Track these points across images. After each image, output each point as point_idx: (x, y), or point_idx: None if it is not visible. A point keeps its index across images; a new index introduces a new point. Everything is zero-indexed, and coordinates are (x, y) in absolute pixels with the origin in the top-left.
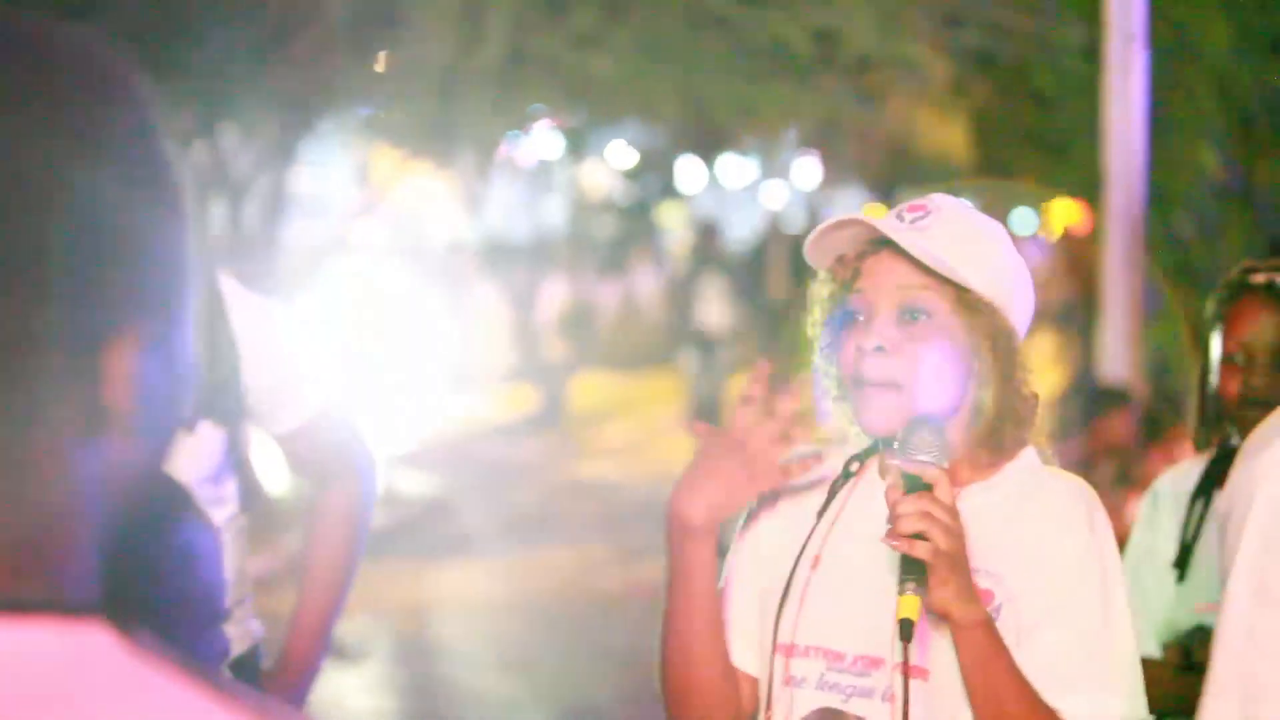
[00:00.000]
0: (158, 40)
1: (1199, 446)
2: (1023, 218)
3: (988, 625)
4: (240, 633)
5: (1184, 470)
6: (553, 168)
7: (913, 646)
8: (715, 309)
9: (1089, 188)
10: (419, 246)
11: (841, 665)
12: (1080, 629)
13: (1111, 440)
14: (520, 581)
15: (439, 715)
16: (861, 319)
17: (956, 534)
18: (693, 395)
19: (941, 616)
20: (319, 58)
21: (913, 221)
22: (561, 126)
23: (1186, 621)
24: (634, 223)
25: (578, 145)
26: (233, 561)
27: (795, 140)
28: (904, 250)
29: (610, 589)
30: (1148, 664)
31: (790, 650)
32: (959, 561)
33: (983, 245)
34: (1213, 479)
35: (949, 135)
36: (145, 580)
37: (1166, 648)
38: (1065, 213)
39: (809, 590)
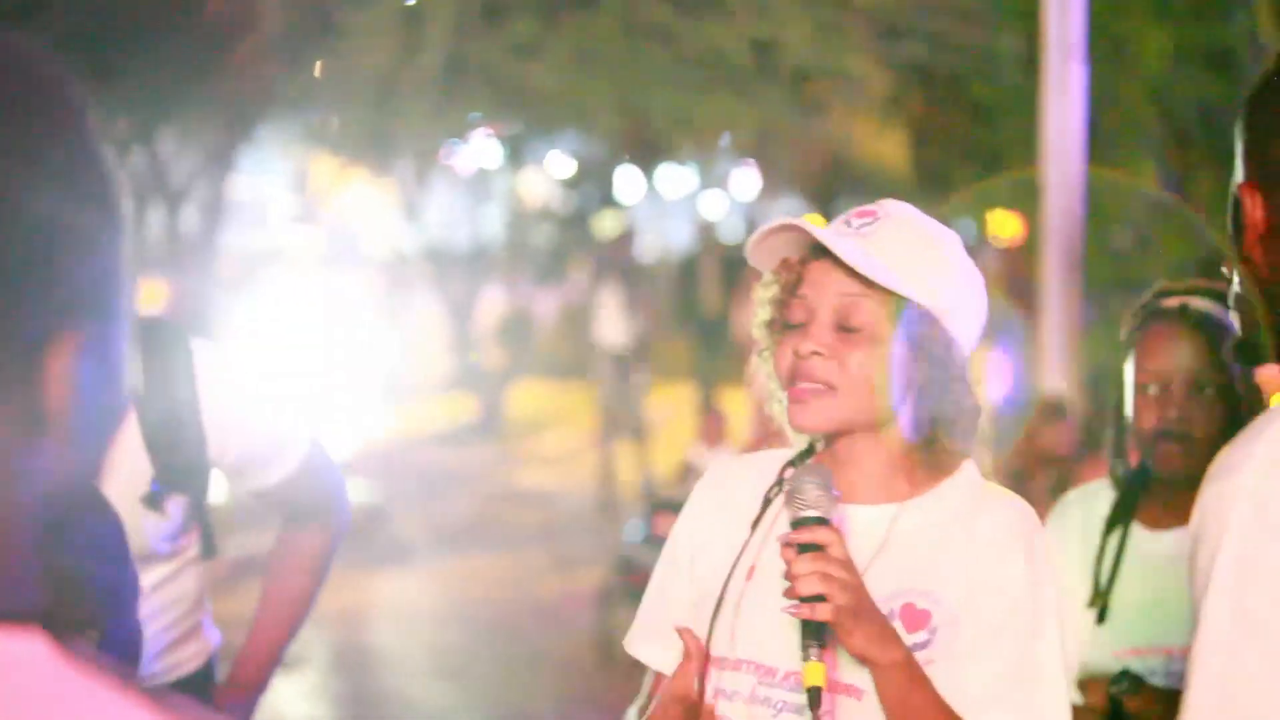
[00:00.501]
0: (96, 46)
1: (1115, 478)
2: (961, 229)
3: (905, 663)
4: (196, 650)
5: (1091, 493)
6: (491, 176)
7: (848, 666)
8: (618, 323)
9: (1026, 200)
10: (357, 254)
11: (773, 680)
12: (1009, 659)
13: (1049, 451)
14: (457, 589)
15: None
16: (801, 324)
17: (854, 587)
18: (603, 413)
19: (861, 660)
20: (257, 65)
21: (859, 228)
22: (500, 135)
23: (1105, 665)
24: (572, 232)
25: (516, 154)
26: (189, 597)
27: (733, 151)
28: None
29: (546, 597)
30: (1073, 712)
31: (722, 663)
32: (862, 612)
33: (928, 254)
34: (1128, 511)
35: (887, 146)
36: (53, 571)
37: (1086, 693)
38: (1001, 225)
39: (743, 603)
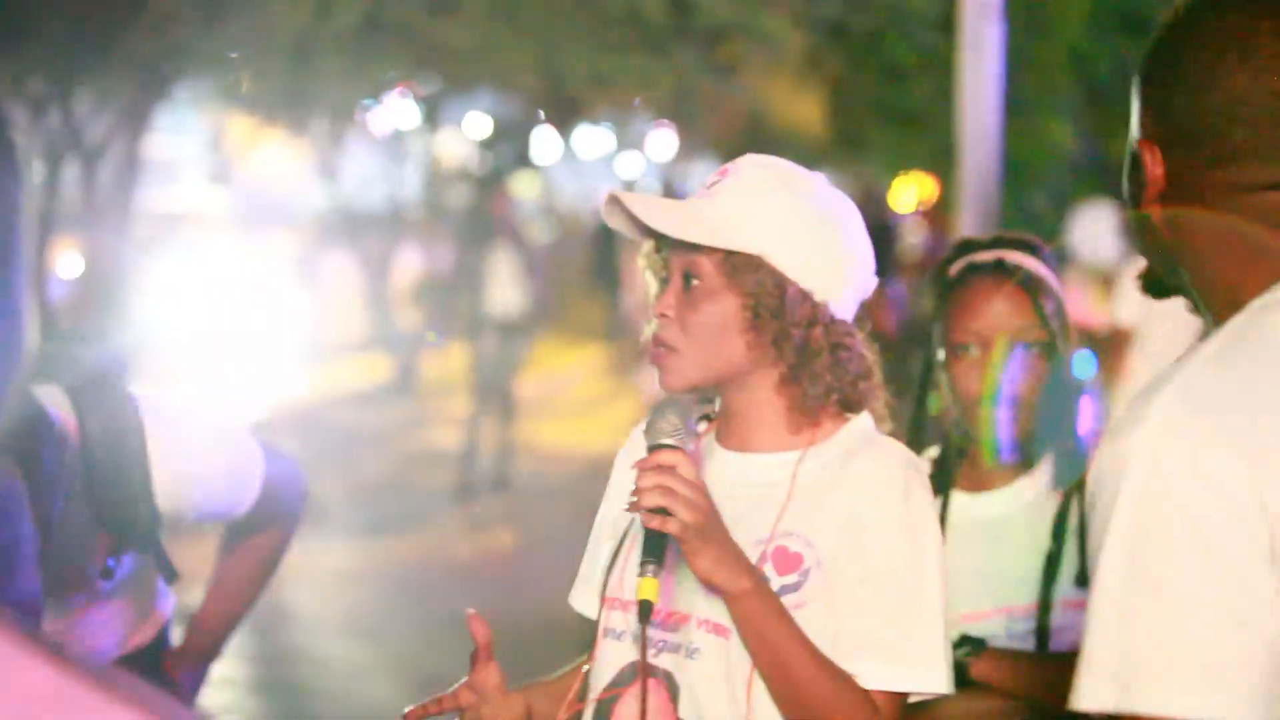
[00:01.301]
0: (8, 5)
1: (911, 447)
2: (877, 190)
3: (757, 592)
4: (150, 621)
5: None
6: (407, 137)
7: (714, 605)
8: (506, 289)
9: (942, 161)
10: (273, 214)
11: (654, 619)
12: (883, 596)
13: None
14: (371, 550)
15: (289, 683)
16: (666, 282)
17: (700, 508)
18: (474, 387)
19: (708, 585)
20: (173, 23)
21: (710, 187)
22: (416, 95)
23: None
24: (489, 193)
25: (433, 114)
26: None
27: (650, 111)
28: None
29: (460, 558)
30: None
31: (613, 604)
32: (709, 533)
33: (763, 201)
34: (944, 479)
35: (804, 108)
36: None
37: None
38: (916, 186)
39: (633, 547)
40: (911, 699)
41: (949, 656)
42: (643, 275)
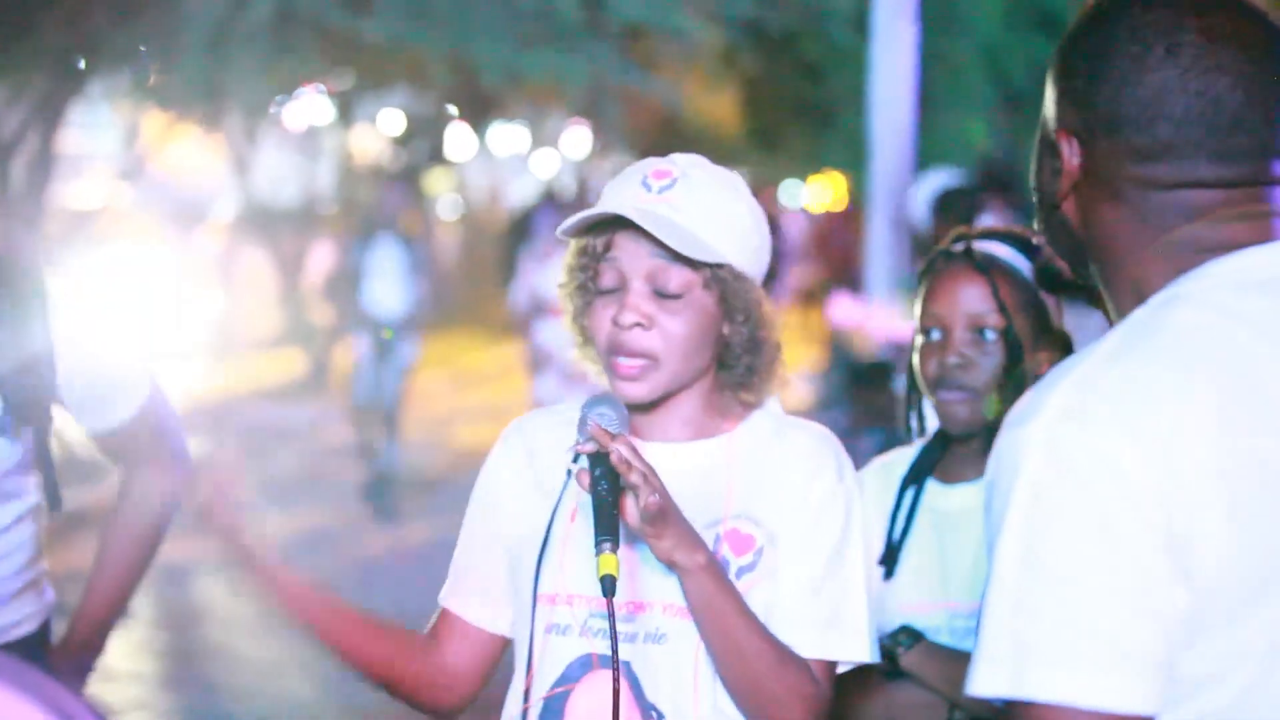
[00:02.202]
0: None
1: (909, 432)
2: (790, 190)
3: (709, 569)
4: (33, 610)
5: (889, 461)
6: (321, 133)
7: (674, 589)
8: (388, 287)
9: (855, 159)
10: (186, 210)
11: (605, 611)
12: (815, 568)
13: (875, 412)
14: (281, 545)
15: (200, 679)
16: (615, 289)
17: (661, 490)
18: (352, 391)
19: (669, 564)
20: (86, 16)
21: (660, 191)
22: (330, 91)
23: (893, 623)
24: (402, 189)
25: (347, 110)
26: (30, 547)
27: (565, 109)
28: None
29: (373, 552)
30: (854, 670)
31: (553, 599)
32: (669, 514)
33: (730, 211)
34: (923, 468)
35: (719, 105)
36: None
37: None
38: (823, 189)
39: (568, 542)
40: (840, 670)
41: (873, 629)
42: (565, 274)
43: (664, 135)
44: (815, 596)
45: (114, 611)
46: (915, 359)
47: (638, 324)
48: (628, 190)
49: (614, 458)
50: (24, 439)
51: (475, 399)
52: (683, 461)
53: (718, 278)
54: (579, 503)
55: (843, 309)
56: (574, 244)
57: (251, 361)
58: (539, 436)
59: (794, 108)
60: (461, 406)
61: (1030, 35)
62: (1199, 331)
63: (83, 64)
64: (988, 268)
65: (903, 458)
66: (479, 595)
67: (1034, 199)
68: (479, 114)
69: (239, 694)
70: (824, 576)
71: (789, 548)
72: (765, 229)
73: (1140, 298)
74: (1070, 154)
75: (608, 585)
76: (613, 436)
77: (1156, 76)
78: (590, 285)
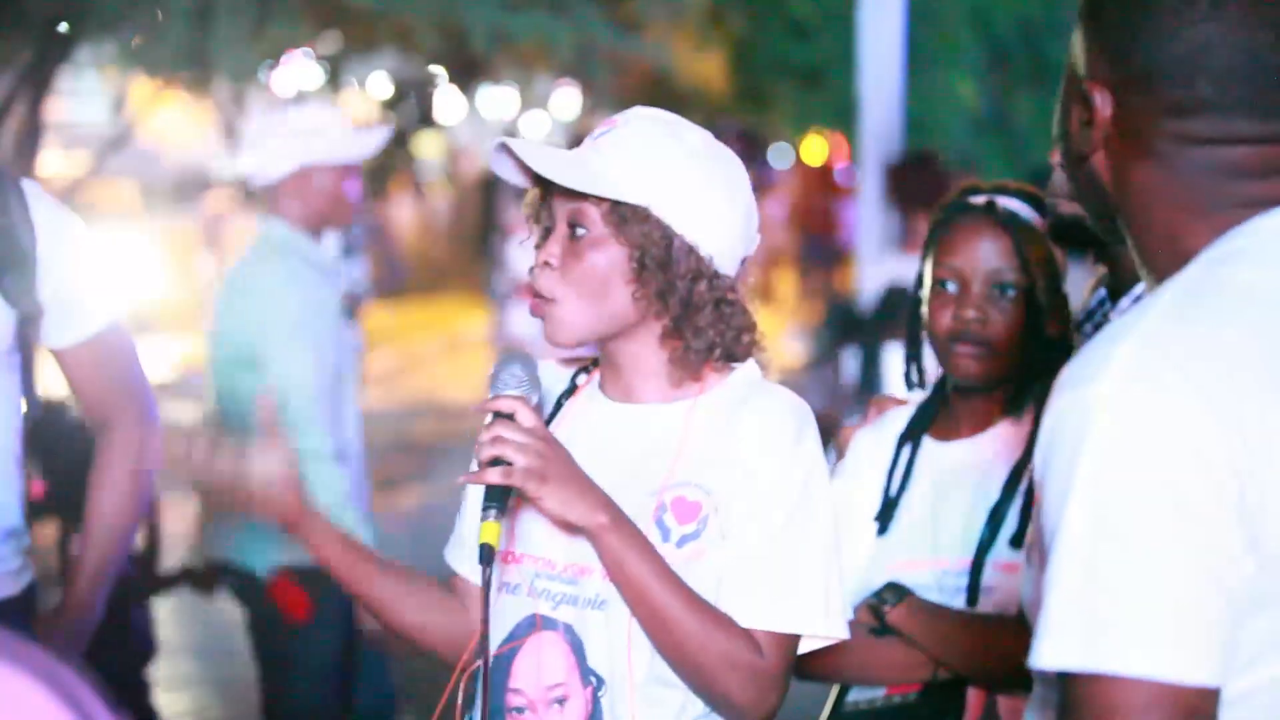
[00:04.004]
0: None
1: (909, 385)
2: (781, 151)
3: (615, 528)
4: (15, 568)
5: (890, 416)
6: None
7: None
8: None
9: (845, 119)
10: (175, 177)
11: (552, 572)
12: (765, 537)
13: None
14: None
15: (170, 679)
16: (549, 230)
17: (538, 451)
18: None
19: (565, 526)
20: None
21: (597, 137)
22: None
23: (881, 579)
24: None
25: (335, 75)
26: (12, 474)
27: (553, 71)
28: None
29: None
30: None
31: (506, 557)
32: (551, 476)
33: (652, 152)
34: (920, 423)
35: (707, 65)
36: None
37: (856, 609)
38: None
39: (523, 501)
40: (807, 644)
41: (839, 602)
42: (528, 224)
43: (652, 96)
44: (762, 566)
45: (108, 571)
46: (924, 310)
47: (546, 264)
48: (523, 145)
49: (480, 436)
50: (6, 317)
51: (466, 363)
52: (637, 423)
53: (620, 214)
54: None
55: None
56: (529, 193)
57: None
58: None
59: (781, 67)
60: (452, 370)
61: None
62: (1264, 291)
63: (68, 29)
64: (1011, 224)
65: (899, 414)
66: (461, 548)
67: (1059, 150)
68: (467, 77)
69: (212, 690)
70: (772, 546)
71: (737, 516)
72: (727, 194)
73: (1176, 255)
74: (1103, 105)
75: (484, 554)
76: (495, 398)
77: (1199, 30)
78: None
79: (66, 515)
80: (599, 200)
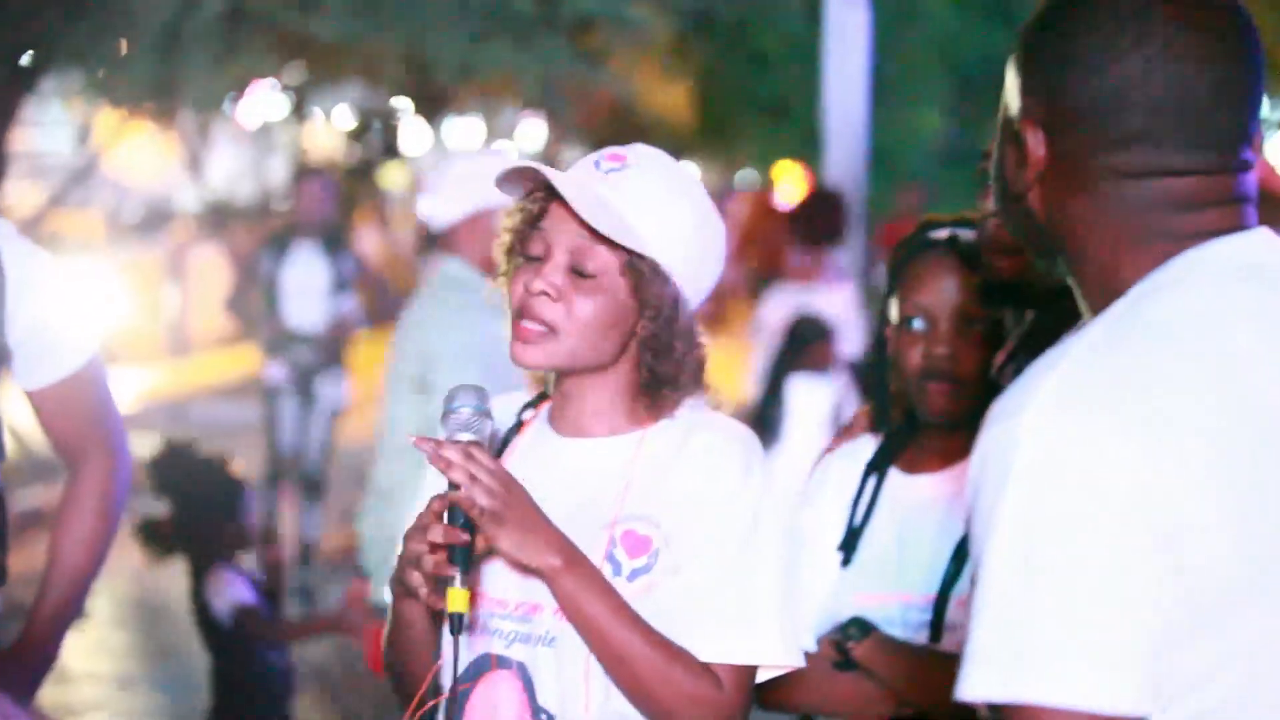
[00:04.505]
0: None
1: (876, 426)
2: (746, 180)
3: (570, 570)
4: None
5: (855, 447)
6: (275, 129)
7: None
8: (307, 305)
9: (810, 151)
10: (141, 208)
11: (504, 611)
12: (719, 569)
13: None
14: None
15: (156, 679)
16: (538, 258)
17: (496, 491)
18: (269, 436)
19: (520, 568)
20: (36, 15)
21: (607, 173)
22: (283, 87)
23: (846, 611)
24: (357, 184)
25: (300, 106)
26: None
27: (519, 102)
28: None
29: (327, 549)
30: (806, 659)
31: None
32: (507, 517)
33: (668, 207)
34: (887, 455)
35: (671, 96)
36: None
37: (820, 642)
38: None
39: (477, 540)
40: (764, 675)
41: (794, 631)
42: (504, 233)
43: (617, 128)
44: (717, 599)
45: (69, 612)
46: (893, 350)
47: (545, 293)
48: (580, 168)
49: (430, 458)
50: None
51: None
52: (588, 458)
53: (635, 267)
54: None
55: None
56: (514, 204)
57: (206, 359)
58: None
59: (746, 99)
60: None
61: (984, 25)
62: (1187, 321)
63: (32, 61)
64: (974, 258)
65: (867, 445)
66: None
67: (995, 190)
68: (433, 108)
69: (191, 690)
70: (727, 578)
71: (688, 549)
72: (714, 242)
73: (1112, 288)
74: (1035, 143)
75: (454, 624)
76: (439, 444)
77: (1126, 64)
78: (518, 249)
79: (194, 551)
80: (615, 245)
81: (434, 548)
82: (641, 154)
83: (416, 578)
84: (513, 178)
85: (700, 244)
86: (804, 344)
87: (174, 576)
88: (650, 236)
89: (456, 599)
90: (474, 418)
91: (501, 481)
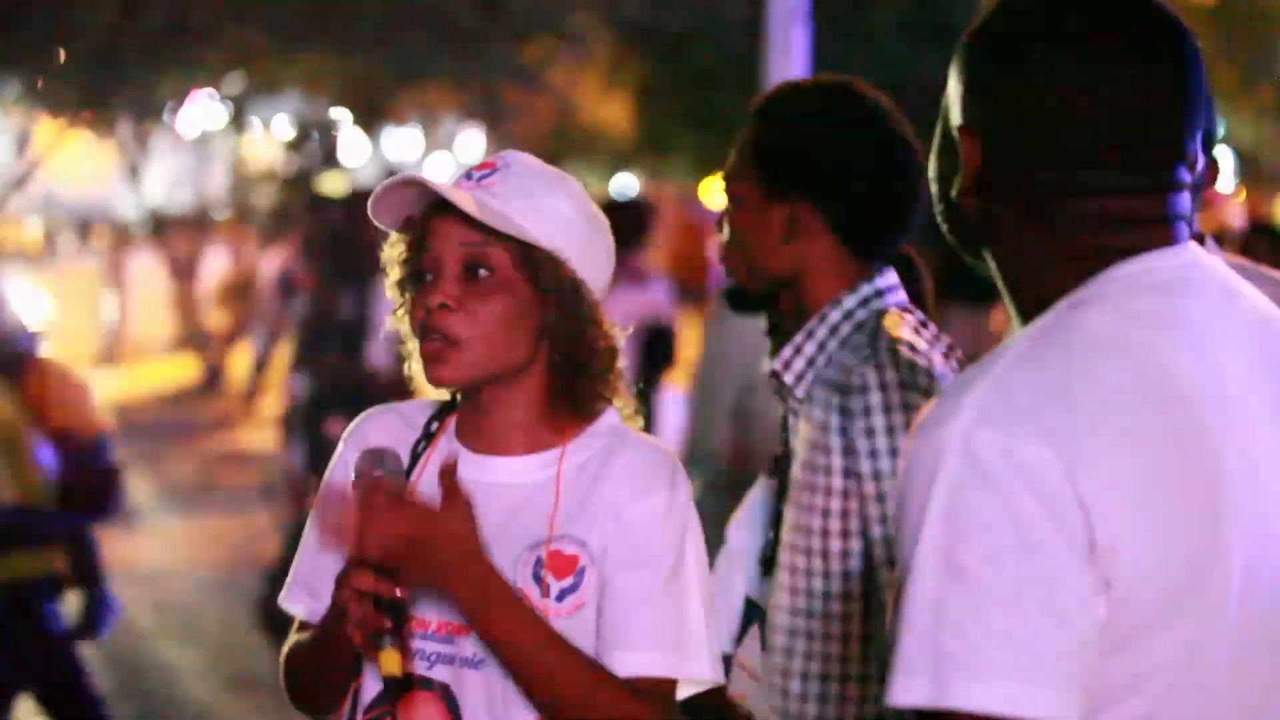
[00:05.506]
0: None
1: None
2: (684, 195)
3: (480, 598)
4: None
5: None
6: (214, 138)
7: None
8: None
9: None
10: (79, 216)
11: (426, 632)
12: (643, 588)
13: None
14: (184, 550)
15: (104, 684)
16: (430, 278)
17: (390, 536)
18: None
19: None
20: None
21: (479, 180)
22: (222, 97)
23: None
24: (296, 194)
25: (239, 116)
26: None
27: (458, 113)
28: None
29: (270, 557)
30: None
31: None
32: (410, 568)
33: (547, 199)
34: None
35: (612, 109)
36: None
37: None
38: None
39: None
40: (687, 690)
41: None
42: (390, 269)
43: (557, 139)
44: (643, 615)
45: None
46: None
47: (444, 304)
48: (454, 181)
49: (321, 530)
50: None
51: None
52: (506, 476)
53: (530, 259)
54: None
55: None
56: (394, 236)
57: (145, 367)
58: (377, 438)
59: (686, 113)
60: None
61: (926, 45)
62: (1111, 335)
63: None
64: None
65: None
66: (309, 594)
67: (933, 190)
68: (372, 119)
69: (140, 697)
70: (652, 594)
71: (615, 569)
72: (600, 231)
73: (1040, 300)
74: (970, 152)
75: (390, 689)
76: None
77: (1066, 83)
78: (409, 279)
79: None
80: (507, 243)
81: (360, 594)
82: (511, 158)
83: (350, 622)
84: (391, 196)
85: (588, 232)
86: (662, 355)
87: (119, 582)
88: (536, 227)
89: (388, 661)
90: (389, 472)
91: (401, 528)
